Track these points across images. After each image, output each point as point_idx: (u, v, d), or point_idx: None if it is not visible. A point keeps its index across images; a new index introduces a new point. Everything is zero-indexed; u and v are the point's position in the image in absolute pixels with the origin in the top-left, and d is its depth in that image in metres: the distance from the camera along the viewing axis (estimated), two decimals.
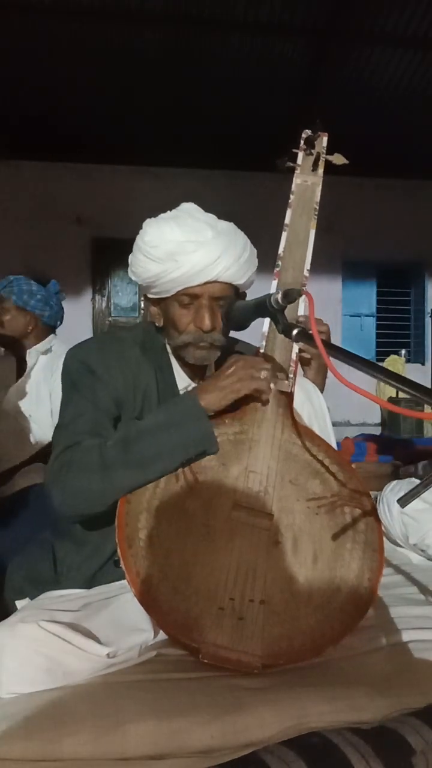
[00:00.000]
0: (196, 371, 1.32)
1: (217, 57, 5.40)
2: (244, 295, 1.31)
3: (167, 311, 1.25)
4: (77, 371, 1.23)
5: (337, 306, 7.71)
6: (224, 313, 1.21)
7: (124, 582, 1.10)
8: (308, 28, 5.14)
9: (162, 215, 1.25)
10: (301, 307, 1.27)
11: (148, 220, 1.24)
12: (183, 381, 1.31)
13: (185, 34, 5.17)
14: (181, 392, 1.29)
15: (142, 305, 7.39)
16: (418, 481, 1.21)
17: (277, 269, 1.30)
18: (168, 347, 1.31)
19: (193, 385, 1.31)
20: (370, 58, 5.47)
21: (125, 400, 1.22)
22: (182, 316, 1.22)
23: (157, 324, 1.30)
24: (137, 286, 7.55)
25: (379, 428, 7.44)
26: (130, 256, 1.27)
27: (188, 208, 1.26)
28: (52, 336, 2.42)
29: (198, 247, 1.17)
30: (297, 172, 1.35)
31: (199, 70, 5.55)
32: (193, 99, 5.93)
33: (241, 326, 1.22)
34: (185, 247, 1.17)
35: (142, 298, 1.31)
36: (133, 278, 1.27)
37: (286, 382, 1.23)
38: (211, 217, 1.24)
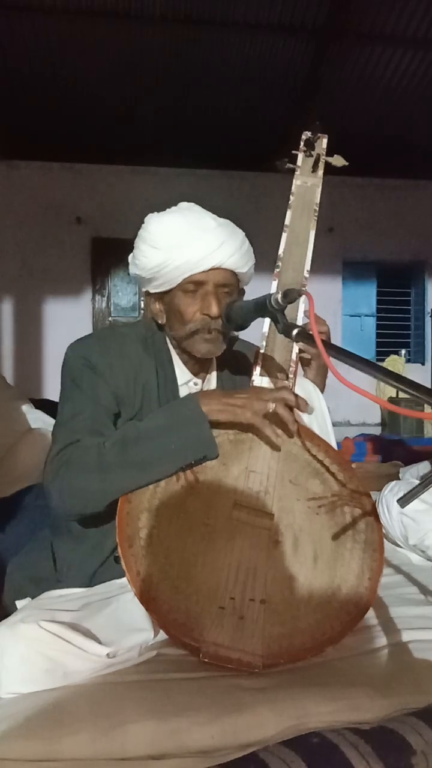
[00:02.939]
0: (198, 367, 1.32)
1: (217, 57, 5.40)
2: (243, 292, 1.31)
3: (171, 303, 1.24)
4: (78, 367, 1.22)
5: (337, 306, 7.72)
6: (226, 312, 1.21)
7: (125, 581, 1.10)
8: (308, 28, 5.14)
9: (164, 211, 1.26)
10: (301, 308, 1.28)
11: (150, 215, 1.25)
12: (184, 377, 1.30)
13: (185, 34, 5.17)
14: (182, 388, 1.29)
15: (143, 305, 7.40)
16: (417, 482, 1.21)
17: (277, 270, 1.30)
18: (169, 344, 1.30)
19: (194, 379, 1.31)
20: (370, 58, 5.47)
21: (126, 397, 1.22)
22: (188, 305, 1.22)
23: (159, 321, 1.29)
24: (137, 286, 7.57)
25: (379, 428, 7.45)
26: (130, 256, 1.27)
27: (188, 205, 1.27)
28: None
29: (202, 233, 1.19)
30: (297, 173, 1.35)
31: (199, 70, 5.56)
32: (193, 99, 5.94)
33: (241, 326, 1.22)
34: (190, 233, 1.19)
35: (143, 296, 1.31)
36: (135, 271, 1.27)
37: (286, 382, 1.23)
38: (210, 213, 1.26)
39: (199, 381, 1.32)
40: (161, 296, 1.27)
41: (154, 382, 1.25)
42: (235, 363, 1.37)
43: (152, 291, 1.28)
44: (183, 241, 1.18)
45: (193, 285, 1.21)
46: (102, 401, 1.19)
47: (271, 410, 1.12)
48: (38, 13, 4.87)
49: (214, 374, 1.36)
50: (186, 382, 1.30)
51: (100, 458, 1.09)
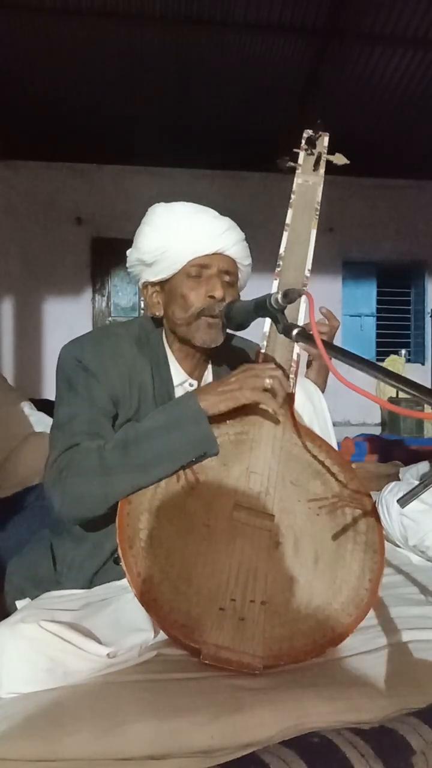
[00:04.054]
0: (194, 366, 1.31)
1: (217, 57, 5.40)
2: (238, 296, 1.31)
3: (173, 290, 1.24)
4: (72, 369, 1.21)
5: (337, 306, 7.72)
6: (226, 312, 1.21)
7: (124, 583, 1.10)
8: (308, 28, 5.14)
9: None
10: (302, 307, 1.27)
11: (155, 204, 1.26)
12: (179, 376, 1.30)
13: (185, 34, 5.17)
14: (177, 389, 1.29)
15: (143, 305, 7.39)
16: (417, 482, 1.21)
17: (278, 269, 1.29)
18: (165, 343, 1.30)
19: (190, 380, 1.31)
20: (370, 58, 5.47)
21: (121, 398, 1.21)
22: (192, 288, 1.22)
23: (157, 314, 1.28)
24: (137, 286, 7.51)
25: (379, 428, 7.45)
26: (129, 250, 1.27)
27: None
28: None
29: (208, 218, 1.22)
30: (298, 171, 1.35)
31: (199, 70, 5.56)
32: (193, 99, 5.94)
33: (241, 326, 1.21)
34: (195, 216, 1.22)
35: (142, 288, 1.30)
36: (137, 256, 1.25)
37: (287, 382, 1.23)
38: None
39: (195, 382, 1.32)
40: (161, 286, 1.27)
41: (149, 383, 1.25)
42: (233, 360, 1.37)
43: (152, 279, 1.27)
44: (189, 223, 1.21)
45: (197, 269, 1.22)
46: (98, 403, 1.18)
47: (268, 385, 1.12)
48: (38, 13, 4.86)
49: (210, 374, 1.35)
50: (181, 383, 1.29)
51: (101, 461, 1.09)
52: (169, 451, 1.09)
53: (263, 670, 1.03)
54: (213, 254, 1.21)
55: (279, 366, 1.19)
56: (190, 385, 1.31)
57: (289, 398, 1.22)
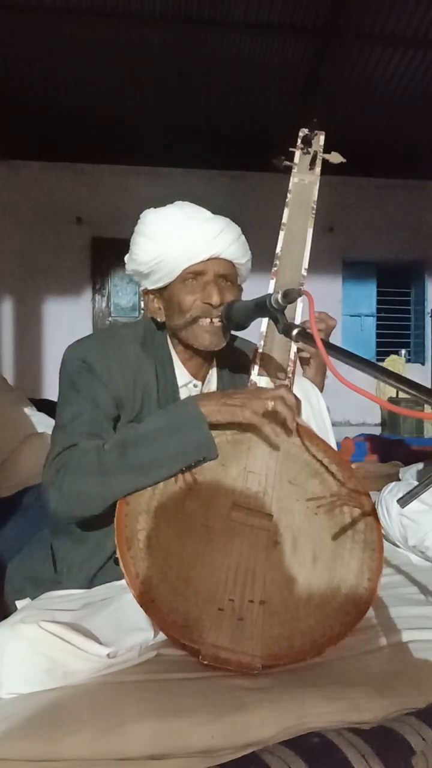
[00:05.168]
0: (198, 366, 1.31)
1: (217, 57, 5.40)
2: (241, 289, 1.31)
3: (171, 297, 1.24)
4: (76, 370, 1.21)
5: (337, 306, 7.72)
6: (226, 312, 1.21)
7: (125, 582, 1.10)
8: (308, 28, 5.15)
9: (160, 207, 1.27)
10: (300, 306, 1.27)
11: (146, 210, 1.25)
12: (184, 377, 1.30)
13: (185, 34, 5.17)
14: (181, 390, 1.29)
15: (143, 305, 7.38)
16: (416, 483, 1.21)
17: (275, 268, 1.29)
18: (170, 343, 1.30)
19: (194, 381, 1.31)
20: (370, 58, 5.47)
21: (125, 399, 1.21)
22: (188, 294, 1.22)
23: (158, 319, 1.29)
24: (137, 285, 7.51)
25: (379, 428, 7.45)
26: (126, 255, 1.27)
27: (183, 202, 1.27)
28: None
29: (200, 223, 1.20)
30: (294, 170, 1.35)
31: (199, 70, 5.56)
32: (193, 99, 5.94)
33: (241, 326, 1.21)
34: (187, 222, 1.20)
35: (142, 295, 1.31)
36: (133, 267, 1.26)
37: (285, 381, 1.23)
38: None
39: (199, 383, 1.32)
40: (160, 292, 1.27)
41: (153, 384, 1.25)
42: (235, 361, 1.37)
43: (151, 287, 1.27)
44: (181, 231, 1.19)
45: (193, 276, 1.21)
46: (101, 404, 1.18)
47: (270, 408, 1.12)
48: (38, 13, 4.87)
49: (214, 375, 1.35)
50: (186, 383, 1.30)
51: (99, 461, 1.09)
52: (168, 454, 1.09)
53: (262, 670, 1.03)
54: (208, 260, 1.21)
55: (289, 389, 1.18)
56: (194, 386, 1.31)
57: None
